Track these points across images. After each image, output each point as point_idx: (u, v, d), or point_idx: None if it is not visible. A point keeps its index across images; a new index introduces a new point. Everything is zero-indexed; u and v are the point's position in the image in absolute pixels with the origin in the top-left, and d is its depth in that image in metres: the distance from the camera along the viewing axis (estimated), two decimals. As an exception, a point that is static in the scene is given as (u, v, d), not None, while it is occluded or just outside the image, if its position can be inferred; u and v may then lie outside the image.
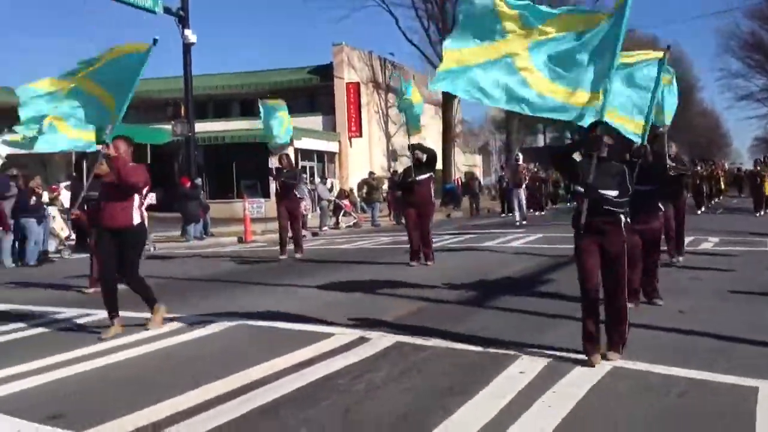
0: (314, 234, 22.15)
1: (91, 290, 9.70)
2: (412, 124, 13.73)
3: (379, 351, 6.15)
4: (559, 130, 60.33)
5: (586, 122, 5.60)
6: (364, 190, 27.17)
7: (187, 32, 23.58)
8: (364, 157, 38.75)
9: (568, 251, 9.96)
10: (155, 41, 7.01)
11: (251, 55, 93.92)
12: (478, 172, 53.51)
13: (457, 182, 39.98)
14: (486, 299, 8.75)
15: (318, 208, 24.70)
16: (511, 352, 5.88)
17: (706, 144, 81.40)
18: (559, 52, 5.47)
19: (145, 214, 16.31)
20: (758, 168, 25.91)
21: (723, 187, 36.29)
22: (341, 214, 25.69)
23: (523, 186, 24.33)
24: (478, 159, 62.30)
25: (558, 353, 5.75)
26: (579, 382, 5.07)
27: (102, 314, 7.52)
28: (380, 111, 40.75)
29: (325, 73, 38.17)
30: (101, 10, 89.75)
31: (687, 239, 12.04)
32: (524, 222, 22.47)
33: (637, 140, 6.88)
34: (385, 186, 27.92)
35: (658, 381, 5.11)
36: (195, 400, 4.93)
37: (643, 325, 6.58)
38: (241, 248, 18.30)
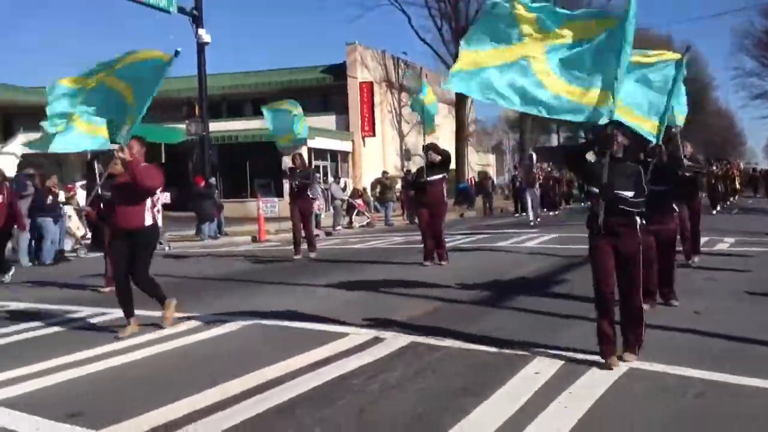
0: (328, 233, 22.20)
1: (107, 289, 9.76)
2: (427, 124, 13.74)
3: (394, 351, 6.16)
4: (573, 130, 60.08)
5: (601, 122, 5.58)
6: (378, 190, 27.19)
7: (201, 32, 23.67)
8: (378, 156, 38.79)
9: (582, 251, 9.91)
10: (177, 53, 7.04)
11: (264, 54, 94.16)
12: (492, 172, 53.43)
13: (471, 182, 39.96)
14: (500, 299, 8.74)
15: (331, 208, 24.74)
16: (526, 353, 5.88)
17: (720, 143, 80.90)
18: (572, 54, 5.46)
19: (159, 214, 16.51)
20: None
21: (738, 186, 36.04)
22: (355, 213, 25.73)
23: (537, 185, 24.30)
24: (491, 158, 62.21)
25: (573, 354, 5.74)
26: (595, 383, 5.06)
27: (118, 313, 7.58)
28: (393, 110, 40.78)
29: (339, 72, 38.24)
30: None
31: (702, 240, 11.97)
32: (537, 221, 22.44)
33: (653, 140, 6.85)
34: (399, 185, 27.93)
35: (674, 382, 5.10)
36: (212, 399, 4.96)
37: (658, 326, 6.56)
38: (255, 247, 18.36)
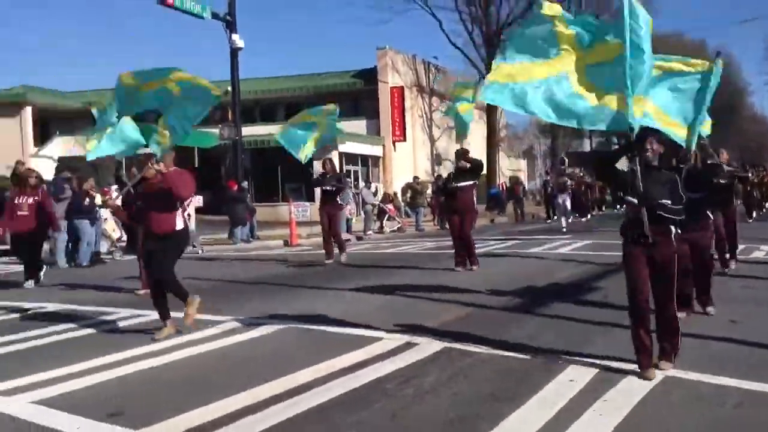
0: (359, 238, 22.27)
1: (143, 292, 9.89)
2: (459, 130, 13.70)
3: (427, 356, 6.18)
4: (606, 135, 59.59)
5: (636, 127, 5.55)
6: (408, 195, 27.22)
7: (235, 37, 23.94)
8: (408, 161, 38.83)
9: (615, 259, 9.86)
10: (226, 92, 7.27)
11: (296, 59, 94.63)
12: (523, 177, 53.16)
13: (502, 187, 39.80)
14: (533, 306, 8.71)
15: (362, 212, 24.81)
16: (560, 360, 5.86)
17: (756, 149, 79.56)
18: (607, 67, 5.47)
19: (190, 218, 16.60)
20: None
21: (775, 193, 35.37)
22: (385, 218, 25.77)
23: (568, 191, 24.16)
24: (522, 164, 61.85)
25: (608, 362, 5.70)
26: (630, 391, 5.03)
27: (154, 315, 7.69)
28: (424, 115, 40.79)
29: (370, 77, 38.36)
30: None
31: (739, 247, 11.82)
32: (564, 229, 22.26)
33: (685, 146, 6.83)
34: (430, 191, 27.92)
35: (710, 391, 5.05)
36: (244, 402, 5.01)
37: (694, 335, 6.49)
38: (287, 251, 18.47)
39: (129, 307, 9.10)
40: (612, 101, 5.37)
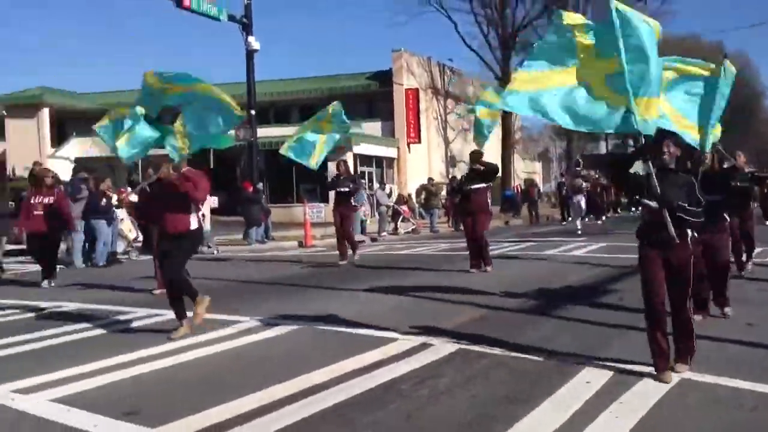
0: (373, 239, 22.29)
1: (158, 291, 9.95)
2: (477, 134, 13.57)
3: (442, 357, 6.18)
4: (621, 137, 59.33)
5: (650, 129, 5.54)
6: (423, 196, 27.21)
7: (251, 39, 24.03)
8: (423, 162, 38.82)
9: (631, 261, 9.82)
10: (248, 114, 7.35)
11: (310, 60, 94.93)
12: (538, 179, 53.03)
13: (517, 189, 39.70)
14: (548, 308, 8.69)
15: (377, 214, 24.82)
16: (576, 362, 5.84)
17: (773, 152, 78.98)
18: (625, 74, 5.48)
19: (205, 218, 16.67)
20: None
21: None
22: (400, 219, 25.77)
23: (583, 192, 24.07)
24: (537, 166, 61.71)
25: (624, 365, 5.68)
26: (646, 393, 5.01)
27: (170, 315, 7.72)
28: (439, 117, 40.76)
29: (384, 78, 38.37)
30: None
31: (756, 250, 11.73)
32: (578, 231, 22.15)
33: (698, 148, 6.84)
34: (444, 192, 27.90)
35: (727, 394, 5.03)
36: (259, 401, 5.03)
37: (711, 337, 6.47)
38: (302, 252, 18.52)
39: (145, 307, 9.16)
40: (622, 102, 5.37)
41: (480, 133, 12.68)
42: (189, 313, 7.57)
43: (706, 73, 6.34)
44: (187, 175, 7.52)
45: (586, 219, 24.99)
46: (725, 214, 8.01)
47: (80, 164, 26.35)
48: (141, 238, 16.17)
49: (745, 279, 10.38)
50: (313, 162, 13.20)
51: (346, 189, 14.48)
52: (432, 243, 20.06)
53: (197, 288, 7.69)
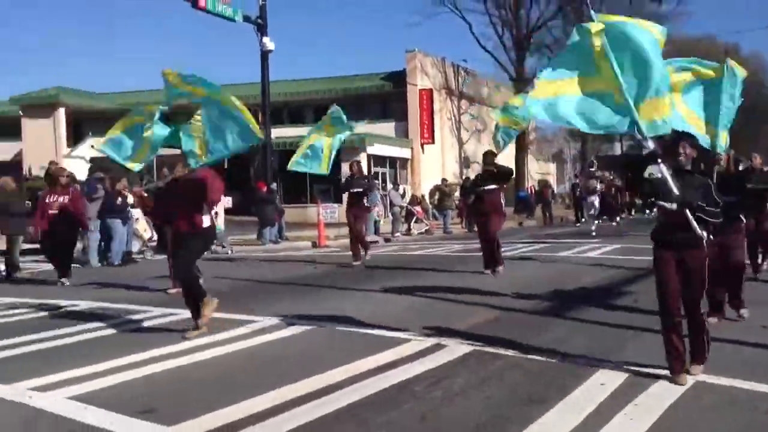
0: (387, 240, 22.31)
1: (174, 290, 9.99)
2: (495, 140, 13.53)
3: (456, 358, 6.18)
4: (637, 138, 59.06)
5: (664, 129, 5.54)
6: (436, 197, 27.18)
7: (265, 40, 24.11)
8: (437, 163, 38.81)
9: (645, 263, 9.78)
10: (262, 141, 7.43)
11: (324, 61, 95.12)
12: (552, 181, 52.82)
13: (530, 190, 39.61)
14: (562, 310, 8.67)
15: (390, 214, 24.83)
16: (591, 364, 5.83)
17: (790, 153, 78.31)
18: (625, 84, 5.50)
19: (222, 215, 16.75)
20: None
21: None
22: (413, 220, 25.76)
23: (597, 194, 23.98)
24: (551, 167, 61.48)
25: (639, 366, 5.66)
26: (661, 395, 5.00)
27: (186, 314, 7.77)
28: (453, 117, 40.72)
29: (398, 79, 38.39)
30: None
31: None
32: (593, 232, 22.05)
33: (712, 148, 6.85)
34: (458, 193, 27.86)
35: (743, 396, 5.01)
36: (273, 401, 5.05)
37: (726, 340, 6.43)
38: (315, 252, 18.55)
39: (160, 306, 9.21)
40: (645, 106, 5.37)
41: (495, 140, 12.53)
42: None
43: (712, 75, 6.36)
44: (202, 176, 7.57)
45: (600, 220, 24.88)
46: (741, 216, 7.98)
47: (96, 164, 26.48)
48: (156, 237, 16.26)
49: (760, 281, 10.31)
50: (324, 168, 13.21)
51: (360, 189, 14.51)
52: (445, 244, 20.05)
53: (207, 289, 7.74)
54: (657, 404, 4.80)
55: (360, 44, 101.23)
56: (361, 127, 13.65)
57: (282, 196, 27.08)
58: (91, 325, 8.06)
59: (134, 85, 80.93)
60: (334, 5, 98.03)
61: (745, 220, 8.21)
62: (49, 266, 12.81)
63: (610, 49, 5.32)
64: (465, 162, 39.89)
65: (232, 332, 7.46)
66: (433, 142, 38.57)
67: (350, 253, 14.68)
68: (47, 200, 12.27)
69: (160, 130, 8.10)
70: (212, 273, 12.03)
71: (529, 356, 6.19)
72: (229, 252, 18.12)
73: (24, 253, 13.74)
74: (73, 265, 12.72)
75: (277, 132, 28.72)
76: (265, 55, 24.28)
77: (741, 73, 6.80)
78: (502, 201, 12.98)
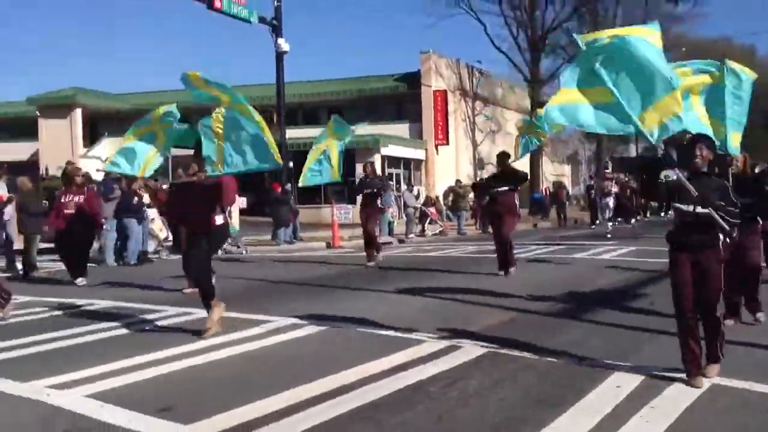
0: (400, 241, 22.32)
1: (189, 290, 10.03)
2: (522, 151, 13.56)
3: (471, 359, 6.18)
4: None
5: (677, 127, 5.53)
6: (450, 198, 27.14)
7: (280, 41, 24.17)
8: (451, 164, 38.78)
9: (661, 265, 9.73)
10: (284, 167, 7.48)
11: (338, 62, 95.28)
12: (567, 182, 52.59)
13: (545, 192, 39.49)
14: (578, 312, 8.64)
15: (404, 215, 24.83)
16: (606, 366, 5.81)
17: (808, 156, 77.79)
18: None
19: (236, 216, 16.76)
20: None
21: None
22: (427, 221, 25.76)
23: (612, 196, 23.89)
24: (566, 168, 61.23)
25: (655, 369, 5.64)
26: (677, 398, 4.98)
27: (201, 313, 7.80)
28: (467, 119, 40.68)
29: (412, 80, 38.41)
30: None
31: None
32: (608, 234, 21.96)
33: (731, 151, 6.86)
34: (472, 195, 27.82)
35: (757, 399, 5.00)
36: (288, 401, 5.06)
37: (742, 342, 6.40)
38: (330, 253, 18.59)
39: (175, 306, 9.25)
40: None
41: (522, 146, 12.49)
42: (224, 313, 7.65)
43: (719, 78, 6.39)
44: (218, 180, 7.60)
45: (616, 222, 24.78)
46: (758, 218, 7.92)
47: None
48: (171, 237, 16.35)
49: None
50: (336, 174, 13.27)
51: (373, 190, 14.54)
52: (459, 245, 20.04)
53: (220, 288, 7.81)
54: (673, 407, 4.78)
55: (374, 45, 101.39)
56: (361, 129, 13.69)
57: (296, 197, 27.13)
58: (107, 324, 8.11)
59: (150, 85, 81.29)
60: (347, 7, 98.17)
61: (761, 222, 8.16)
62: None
63: (603, 70, 5.34)
64: (479, 163, 39.85)
65: (247, 332, 7.48)
66: (447, 144, 38.56)
67: (364, 254, 14.70)
68: (63, 200, 12.36)
69: (177, 131, 8.14)
70: (227, 273, 12.08)
71: (545, 358, 6.18)
72: (244, 252, 18.19)
73: (41, 252, 13.84)
74: (89, 264, 12.80)
75: (291, 133, 28.76)
76: (280, 56, 24.35)
77: (748, 74, 6.81)
78: (517, 202, 12.96)
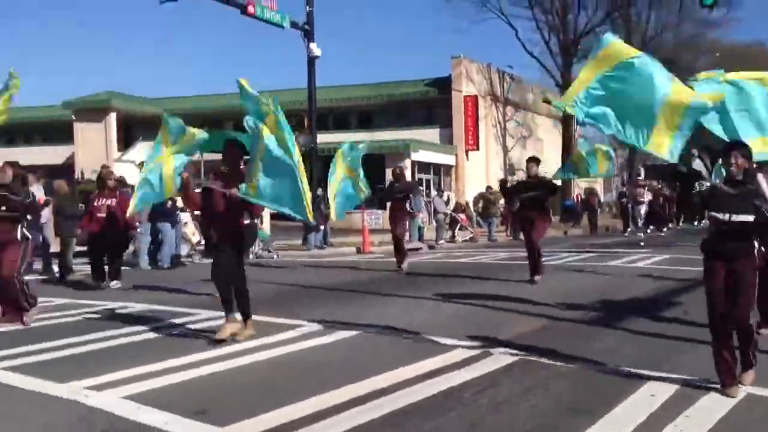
0: (431, 247, 22.29)
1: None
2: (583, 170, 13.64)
3: (503, 366, 6.16)
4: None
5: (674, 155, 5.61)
6: (480, 205, 27.03)
7: (312, 46, 24.31)
8: (481, 170, 38.65)
9: (695, 274, 9.62)
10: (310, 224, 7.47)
11: (369, 67, 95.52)
12: (599, 189, 52.12)
13: (577, 199, 39.19)
14: (611, 320, 8.58)
15: (434, 221, 24.80)
16: (640, 375, 5.76)
17: None
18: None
19: (267, 221, 16.79)
20: None
21: None
22: (457, 228, 25.69)
23: (645, 204, 23.67)
24: (598, 175, 60.68)
25: (689, 378, 5.59)
26: (712, 407, 4.93)
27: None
28: (498, 124, 40.53)
29: (443, 85, 38.36)
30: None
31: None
32: (641, 243, 21.74)
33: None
34: (502, 201, 27.71)
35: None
36: (316, 406, 5.08)
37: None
38: (360, 258, 18.64)
39: (209, 309, 9.30)
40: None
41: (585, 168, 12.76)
42: (257, 317, 7.73)
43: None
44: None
45: (648, 230, 24.52)
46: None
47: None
48: (203, 241, 16.50)
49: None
50: (362, 195, 13.43)
51: (402, 195, 14.55)
52: (490, 252, 19.96)
53: (252, 293, 7.81)
54: (707, 417, 4.73)
55: (405, 50, 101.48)
56: (362, 144, 13.73)
57: (326, 202, 27.25)
58: (140, 327, 8.21)
59: (182, 91, 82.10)
60: (378, 12, 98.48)
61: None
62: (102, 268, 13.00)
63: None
64: (510, 169, 39.65)
65: (277, 336, 7.53)
66: (477, 149, 38.43)
67: (394, 259, 14.71)
68: (96, 203, 12.51)
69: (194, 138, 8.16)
70: (258, 278, 12.15)
71: (577, 366, 6.15)
72: (275, 257, 18.29)
73: (77, 255, 14.04)
74: (123, 267, 12.95)
75: (322, 138, 28.89)
76: (311, 61, 24.49)
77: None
78: (549, 208, 12.90)
